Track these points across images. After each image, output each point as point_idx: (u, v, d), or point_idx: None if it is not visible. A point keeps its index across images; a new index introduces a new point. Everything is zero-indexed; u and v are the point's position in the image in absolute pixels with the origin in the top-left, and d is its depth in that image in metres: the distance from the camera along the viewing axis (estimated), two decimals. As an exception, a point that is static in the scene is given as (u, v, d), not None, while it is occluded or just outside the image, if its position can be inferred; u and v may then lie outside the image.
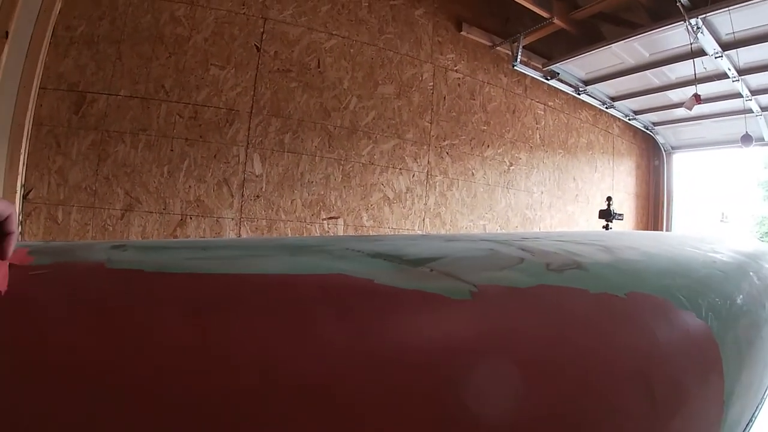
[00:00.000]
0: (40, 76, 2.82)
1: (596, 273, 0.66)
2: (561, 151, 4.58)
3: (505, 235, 0.93)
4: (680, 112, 5.39)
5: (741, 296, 0.86)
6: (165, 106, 2.93)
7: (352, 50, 3.28)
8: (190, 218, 2.83)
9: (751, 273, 0.98)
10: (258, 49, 3.11)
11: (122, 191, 2.82)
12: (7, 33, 2.47)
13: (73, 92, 2.86)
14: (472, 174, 3.66)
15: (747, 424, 0.94)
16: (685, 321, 0.67)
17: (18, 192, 2.74)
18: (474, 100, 3.76)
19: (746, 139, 4.49)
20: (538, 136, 4.32)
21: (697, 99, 3.73)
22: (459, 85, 3.69)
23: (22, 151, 2.73)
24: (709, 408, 0.69)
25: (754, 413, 0.98)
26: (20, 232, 2.79)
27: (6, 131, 2.67)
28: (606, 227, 4.47)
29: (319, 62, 3.19)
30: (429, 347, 0.46)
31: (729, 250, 1.09)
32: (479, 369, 0.46)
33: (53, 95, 2.84)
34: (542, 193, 4.34)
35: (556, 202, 4.49)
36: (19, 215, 2.76)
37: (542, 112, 4.39)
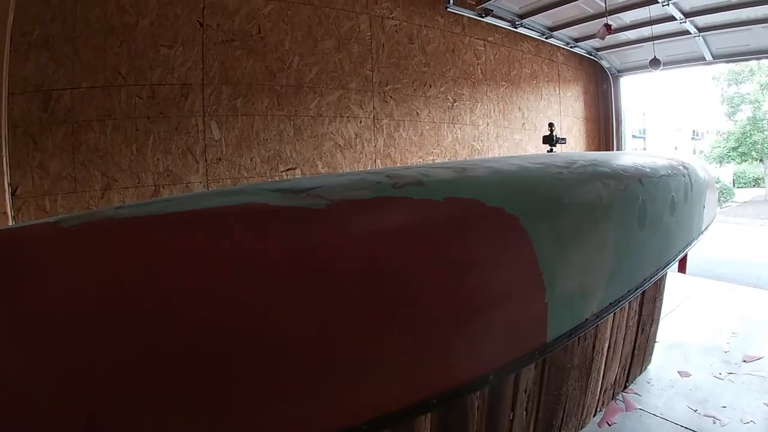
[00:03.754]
0: (7, 83, 2.96)
1: (429, 187, 0.89)
2: (504, 83, 4.72)
3: (390, 168, 1.15)
4: (622, 36, 5.49)
5: (567, 199, 1.07)
6: (124, 90, 3.08)
7: (289, 12, 3.39)
8: (163, 188, 3.04)
9: (599, 183, 1.19)
10: (201, 24, 3.23)
11: (99, 173, 3.01)
12: (-26, 52, 2.60)
13: (39, 92, 3.00)
14: (417, 114, 3.83)
15: (615, 302, 1.18)
16: (490, 213, 0.90)
17: (6, 190, 2.93)
18: (412, 44, 3.89)
19: (654, 62, 4.70)
20: (479, 71, 4.45)
21: (608, 29, 3.86)
22: (396, 31, 3.81)
23: (3, 153, 2.90)
24: (516, 273, 0.92)
25: (624, 296, 1.22)
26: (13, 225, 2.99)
27: (-14, 138, 2.83)
28: (550, 151, 4.67)
29: (259, 28, 3.31)
30: (293, 233, 0.73)
31: (596, 166, 1.28)
32: (318, 245, 0.74)
33: (22, 98, 2.98)
34: (488, 125, 4.52)
35: (502, 132, 4.67)
36: (11, 210, 2.95)
37: (482, 48, 4.51)
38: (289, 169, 3.25)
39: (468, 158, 4.20)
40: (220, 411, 0.68)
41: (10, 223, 2.96)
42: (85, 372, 0.64)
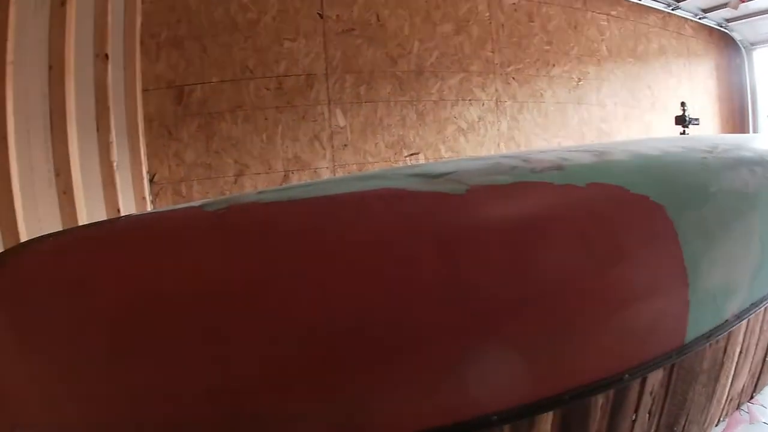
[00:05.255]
0: (140, 81, 3.16)
1: (570, 171, 0.83)
2: (631, 59, 4.31)
3: (525, 152, 1.10)
4: (753, 5, 4.84)
5: (714, 186, 0.97)
6: (252, 83, 3.18)
7: (405, -3, 3.32)
8: (292, 173, 3.10)
9: (745, 169, 1.08)
10: (321, 16, 3.25)
11: (231, 160, 3.13)
12: (107, 55, 2.81)
13: (172, 88, 3.18)
14: (541, 95, 3.59)
15: (758, 302, 1.08)
16: (634, 200, 0.83)
17: (145, 177, 3.13)
18: (533, 22, 3.66)
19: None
20: (604, 48, 4.09)
21: (741, -3, 3.35)
22: (515, 10, 3.61)
23: (141, 144, 3.11)
24: (660, 266, 0.84)
25: (766, 296, 1.11)
26: (152, 210, 3.19)
27: (123, 132, 3.04)
28: (683, 133, 4.18)
29: (378, 16, 3.27)
30: (434, 218, 0.72)
31: (740, 150, 1.18)
32: (460, 230, 0.72)
33: (156, 94, 3.18)
34: (615, 104, 4.14)
35: (631, 113, 4.26)
36: (149, 195, 3.15)
37: (606, 23, 4.15)
38: (412, 154, 3.18)
39: (597, 141, 3.87)
40: (360, 394, 0.66)
41: (149, 207, 3.15)
42: (223, 351, 0.65)
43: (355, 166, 3.10)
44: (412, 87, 3.21)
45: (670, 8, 4.66)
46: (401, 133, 3.17)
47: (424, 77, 3.23)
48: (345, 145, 3.13)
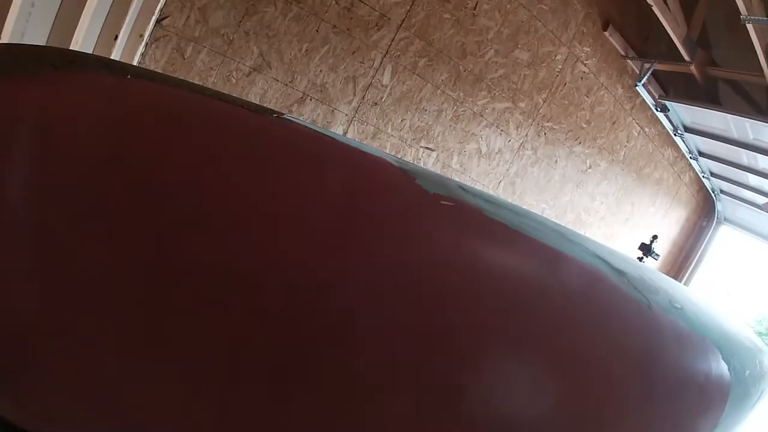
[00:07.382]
0: None
1: None
2: (634, 174, 4.55)
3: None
4: (747, 194, 5.24)
5: (759, 366, 1.02)
6: (326, -13, 2.94)
7: (508, 6, 3.22)
8: (310, 99, 2.93)
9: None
10: (427, -31, 3.06)
11: (257, 50, 2.86)
12: None
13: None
14: (556, 161, 3.69)
15: None
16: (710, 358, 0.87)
17: (154, 15, 2.75)
18: (587, 97, 3.72)
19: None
20: (623, 153, 4.28)
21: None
22: (581, 78, 3.64)
23: None
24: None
25: None
26: (142, 54, 2.81)
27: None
28: (640, 259, 4.51)
29: (476, 5, 3.14)
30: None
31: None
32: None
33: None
34: (602, 204, 4.37)
35: (608, 217, 4.53)
36: (147, 37, 2.77)
37: (636, 134, 4.33)
38: (427, 149, 3.15)
39: (572, 226, 4.09)
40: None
41: (140, 48, 2.79)
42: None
43: (372, 128, 3.01)
44: (463, 88, 3.15)
45: (690, 156, 4.94)
46: (430, 123, 3.12)
47: (479, 86, 3.19)
48: (375, 104, 3.02)
